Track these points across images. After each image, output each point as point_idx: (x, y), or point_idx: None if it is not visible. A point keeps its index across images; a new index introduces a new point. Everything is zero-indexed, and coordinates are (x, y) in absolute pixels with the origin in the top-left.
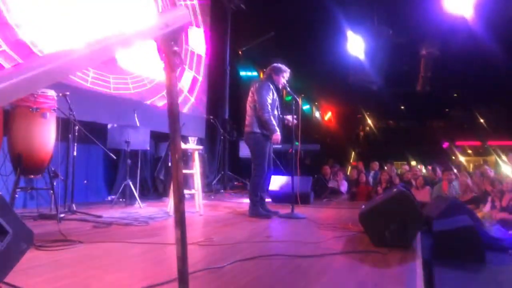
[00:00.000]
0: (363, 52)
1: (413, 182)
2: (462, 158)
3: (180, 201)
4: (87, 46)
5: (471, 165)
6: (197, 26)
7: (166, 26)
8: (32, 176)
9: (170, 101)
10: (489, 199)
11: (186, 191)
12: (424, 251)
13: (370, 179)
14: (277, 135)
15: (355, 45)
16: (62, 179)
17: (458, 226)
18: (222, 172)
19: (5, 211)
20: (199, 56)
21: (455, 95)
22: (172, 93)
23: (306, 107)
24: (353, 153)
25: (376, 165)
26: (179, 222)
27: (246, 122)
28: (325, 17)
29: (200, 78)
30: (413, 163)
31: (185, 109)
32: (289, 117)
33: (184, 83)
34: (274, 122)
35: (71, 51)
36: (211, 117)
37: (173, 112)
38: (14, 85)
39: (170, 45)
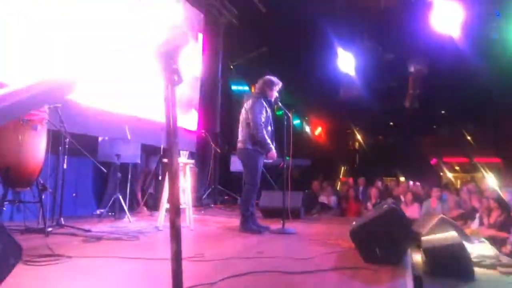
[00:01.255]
0: (353, 69)
1: (402, 198)
2: (450, 175)
3: (176, 215)
4: (89, 61)
5: (459, 182)
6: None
7: (166, 44)
8: (20, 189)
9: (169, 117)
10: (477, 215)
11: None
12: (414, 267)
13: (360, 195)
14: (273, 152)
15: (346, 61)
16: (50, 192)
17: (447, 243)
18: (213, 186)
19: None
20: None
21: (442, 112)
22: (170, 109)
23: (296, 121)
24: (342, 168)
25: (362, 180)
26: (174, 237)
27: (239, 138)
28: (316, 34)
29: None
30: (402, 178)
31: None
32: (271, 155)
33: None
34: (268, 141)
35: (75, 72)
36: (203, 131)
37: (171, 127)
38: (20, 103)
39: (170, 63)
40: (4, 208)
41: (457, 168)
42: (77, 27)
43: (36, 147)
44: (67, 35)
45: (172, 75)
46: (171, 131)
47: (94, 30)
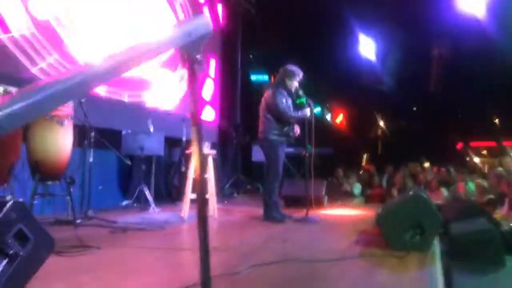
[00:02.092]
0: (374, 54)
1: (427, 184)
2: (477, 159)
3: (203, 205)
4: (110, 60)
5: (486, 166)
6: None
7: (188, 36)
8: (49, 182)
9: (194, 109)
10: (507, 200)
11: None
12: (442, 254)
13: (384, 182)
14: (306, 111)
15: (367, 47)
16: (78, 185)
17: (476, 229)
18: (235, 176)
19: (27, 218)
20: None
21: (467, 95)
22: (195, 101)
23: (317, 109)
24: (365, 155)
25: (389, 167)
26: (202, 226)
27: (260, 129)
28: (336, 19)
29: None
30: (427, 164)
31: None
32: (295, 128)
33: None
34: (297, 114)
35: (95, 66)
36: (223, 121)
37: (196, 120)
38: (44, 100)
39: (193, 54)
40: (35, 202)
41: (484, 152)
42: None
43: (63, 142)
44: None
45: (196, 66)
46: (196, 122)
47: (117, 21)
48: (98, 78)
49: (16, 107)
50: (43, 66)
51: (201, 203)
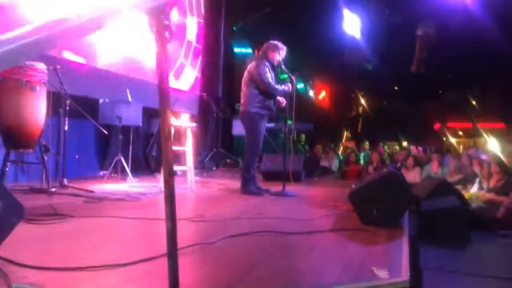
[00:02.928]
0: (359, 31)
1: (404, 163)
2: (453, 140)
3: (170, 176)
4: (78, 16)
5: (461, 147)
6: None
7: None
8: (22, 150)
9: (160, 75)
10: (477, 180)
11: (178, 168)
12: (411, 230)
13: (362, 159)
14: (289, 86)
15: (351, 24)
16: (53, 154)
17: (445, 206)
18: (215, 150)
19: None
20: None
21: (448, 76)
22: (162, 67)
23: (300, 85)
24: (345, 132)
25: (366, 145)
26: (168, 197)
27: (242, 101)
28: None
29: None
30: (405, 143)
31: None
32: (280, 98)
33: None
34: (280, 87)
35: (62, 20)
36: (204, 94)
37: (163, 86)
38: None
39: (161, 19)
40: (7, 169)
41: (460, 133)
42: None
43: (36, 108)
44: None
45: (164, 32)
46: (163, 90)
47: None
48: (65, 34)
49: None
50: None
51: (167, 173)
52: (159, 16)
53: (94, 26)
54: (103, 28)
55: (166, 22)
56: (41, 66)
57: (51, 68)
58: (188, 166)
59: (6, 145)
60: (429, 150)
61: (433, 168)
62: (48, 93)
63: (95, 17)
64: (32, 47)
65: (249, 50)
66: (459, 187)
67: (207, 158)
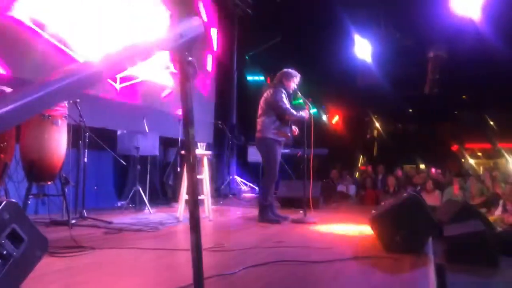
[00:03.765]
0: (370, 56)
1: (423, 186)
2: (472, 161)
3: (195, 206)
4: (104, 60)
5: (481, 168)
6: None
7: (180, 37)
8: (44, 183)
9: (185, 109)
10: (501, 202)
11: None
12: (436, 256)
13: (379, 183)
14: (306, 113)
15: (362, 48)
16: (73, 185)
17: (470, 231)
18: (230, 177)
19: (21, 218)
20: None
21: (463, 97)
22: (187, 102)
23: (313, 110)
24: (361, 157)
25: (381, 168)
26: (194, 227)
27: (258, 127)
28: (332, 21)
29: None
30: (422, 166)
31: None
32: (293, 127)
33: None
34: (298, 113)
35: (88, 66)
36: (219, 122)
37: (188, 119)
38: (37, 100)
39: (185, 55)
40: (29, 202)
41: (479, 154)
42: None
43: (57, 142)
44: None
45: (188, 68)
46: (188, 123)
47: (111, 23)
48: (92, 78)
49: (6, 108)
50: None
51: (193, 204)
52: (183, 53)
53: (123, 67)
54: (132, 67)
55: (190, 58)
56: None
57: (71, 101)
58: (205, 194)
59: (28, 178)
60: (448, 173)
61: (454, 191)
62: (69, 126)
63: (122, 59)
64: (66, 91)
65: (262, 78)
66: (482, 210)
67: (223, 186)
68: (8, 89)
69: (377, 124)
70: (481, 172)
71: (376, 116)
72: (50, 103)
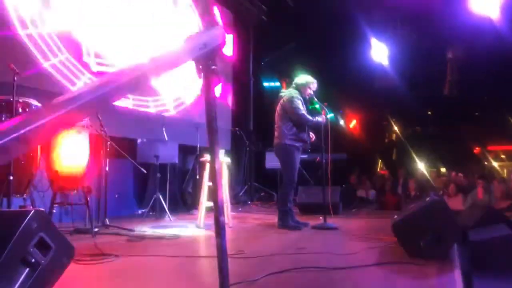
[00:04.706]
0: (387, 59)
1: (445, 190)
2: (495, 163)
3: (220, 213)
4: (128, 74)
5: (505, 170)
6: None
7: (204, 46)
8: (67, 192)
9: (209, 118)
10: None
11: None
12: (462, 261)
13: (399, 188)
14: (323, 117)
15: (379, 51)
16: (95, 194)
17: (496, 236)
18: (249, 184)
19: (48, 227)
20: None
21: (484, 98)
22: (211, 110)
23: (330, 115)
24: (380, 161)
25: (402, 173)
26: (219, 234)
27: (276, 134)
28: (347, 24)
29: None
30: (443, 169)
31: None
32: (310, 134)
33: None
34: (314, 119)
35: (115, 78)
36: (237, 128)
37: (212, 128)
38: (62, 117)
39: (209, 64)
40: (54, 211)
41: (503, 156)
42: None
43: (80, 152)
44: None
45: (211, 76)
46: (213, 131)
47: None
48: (120, 91)
49: (40, 122)
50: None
51: (217, 211)
52: (207, 62)
53: (149, 79)
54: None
55: (213, 67)
56: None
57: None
58: (225, 201)
59: (53, 188)
60: (471, 176)
61: (478, 195)
62: (90, 136)
63: (150, 71)
64: (92, 106)
65: (278, 84)
66: (508, 214)
67: (241, 192)
68: (34, 101)
69: (396, 128)
70: (505, 175)
71: (394, 119)
72: (80, 117)
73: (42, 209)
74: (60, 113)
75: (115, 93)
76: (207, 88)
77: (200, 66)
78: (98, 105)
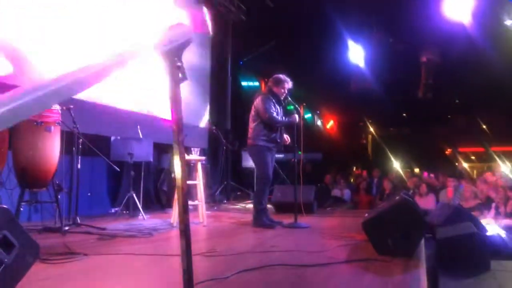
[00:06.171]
0: (363, 60)
1: (416, 190)
2: (465, 165)
3: (184, 212)
4: (93, 66)
5: (475, 171)
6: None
7: (169, 42)
8: (36, 190)
9: (175, 114)
10: (493, 205)
11: (189, 202)
12: (428, 258)
13: (374, 188)
14: (294, 116)
15: (356, 53)
16: (66, 192)
17: (462, 233)
18: (225, 183)
19: (12, 225)
20: None
21: (457, 101)
22: (176, 106)
23: (307, 115)
24: (355, 161)
25: (377, 172)
26: (183, 233)
27: (249, 135)
28: (325, 26)
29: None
30: (416, 170)
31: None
32: (285, 137)
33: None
34: (285, 119)
35: (81, 69)
36: (214, 127)
37: (177, 125)
38: (24, 105)
39: (174, 61)
40: (22, 209)
41: (473, 157)
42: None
43: (50, 148)
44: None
45: (177, 73)
46: (177, 128)
47: (96, 29)
48: (81, 83)
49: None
50: None
51: (182, 210)
52: (172, 58)
53: (111, 72)
54: (118, 72)
55: (179, 63)
56: (56, 106)
57: (64, 108)
58: (199, 200)
59: (21, 185)
60: (441, 176)
61: (448, 194)
62: (62, 132)
63: (115, 62)
64: (57, 94)
65: (256, 83)
66: (475, 213)
67: (218, 191)
68: None
69: (371, 129)
70: (474, 176)
71: (370, 120)
72: (38, 109)
73: (5, 206)
74: (15, 104)
75: (77, 85)
76: (172, 85)
77: (166, 62)
78: (57, 97)
